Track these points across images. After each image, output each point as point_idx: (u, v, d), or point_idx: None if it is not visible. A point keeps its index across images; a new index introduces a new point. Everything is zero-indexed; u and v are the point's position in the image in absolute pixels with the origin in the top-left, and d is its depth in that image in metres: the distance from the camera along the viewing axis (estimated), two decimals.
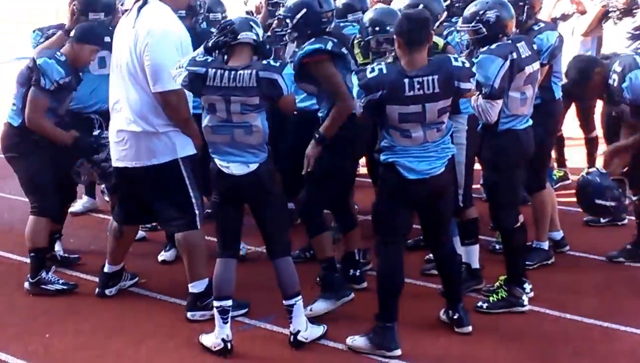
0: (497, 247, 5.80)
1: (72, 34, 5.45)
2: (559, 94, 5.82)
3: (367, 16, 5.13)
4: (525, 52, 4.90)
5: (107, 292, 5.37)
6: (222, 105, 4.46)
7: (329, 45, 4.91)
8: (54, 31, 5.92)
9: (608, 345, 4.71)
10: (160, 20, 4.89)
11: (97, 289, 5.40)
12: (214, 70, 4.45)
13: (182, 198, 4.96)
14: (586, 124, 7.39)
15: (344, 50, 5.01)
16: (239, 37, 4.51)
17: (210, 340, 4.63)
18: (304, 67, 4.89)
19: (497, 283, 5.12)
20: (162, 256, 5.99)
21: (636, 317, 4.95)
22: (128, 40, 4.90)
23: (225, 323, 4.58)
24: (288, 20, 5.09)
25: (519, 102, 4.97)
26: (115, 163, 5.09)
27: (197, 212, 4.99)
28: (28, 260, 5.55)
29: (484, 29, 4.86)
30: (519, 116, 5.00)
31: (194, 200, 4.98)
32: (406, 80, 4.32)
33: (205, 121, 4.54)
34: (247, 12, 6.90)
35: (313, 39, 4.97)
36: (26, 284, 5.47)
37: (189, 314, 5.01)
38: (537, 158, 5.35)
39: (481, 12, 4.88)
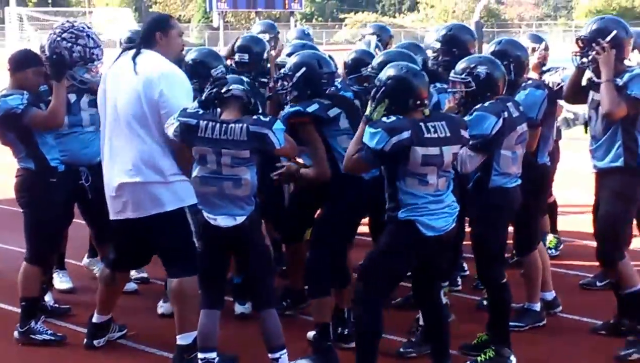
0: (485, 302, 5.67)
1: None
2: (544, 158, 5.78)
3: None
4: (515, 112, 4.89)
5: (95, 343, 5.26)
6: (212, 156, 4.44)
7: (311, 108, 4.89)
8: None
9: None
10: (167, 65, 4.83)
11: (85, 340, 5.29)
12: (205, 122, 4.44)
13: (184, 245, 4.85)
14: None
15: (331, 113, 4.96)
16: (231, 88, 4.51)
17: None
18: (291, 127, 4.87)
19: (476, 341, 5.03)
20: (161, 308, 5.86)
21: None
22: (131, 87, 4.77)
23: None
24: (288, 79, 5.08)
25: (510, 161, 4.96)
26: (114, 216, 4.98)
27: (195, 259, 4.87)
28: (18, 310, 5.45)
29: (473, 83, 4.84)
30: (510, 175, 4.99)
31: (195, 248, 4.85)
32: (422, 123, 4.36)
33: (195, 172, 4.52)
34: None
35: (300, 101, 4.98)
36: (15, 333, 5.37)
37: None
38: (524, 220, 5.35)
39: (472, 66, 4.89)
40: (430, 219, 4.39)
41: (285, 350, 4.56)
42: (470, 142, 4.68)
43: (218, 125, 4.45)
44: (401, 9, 79.20)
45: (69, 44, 5.22)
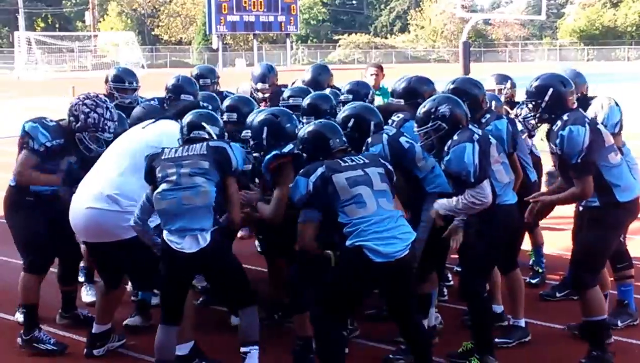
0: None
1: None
2: (533, 177, 5.79)
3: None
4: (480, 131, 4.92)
5: (95, 352, 5.26)
6: (173, 170, 4.50)
7: (287, 149, 4.95)
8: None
9: None
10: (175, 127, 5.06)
11: (85, 349, 5.29)
12: (169, 149, 4.61)
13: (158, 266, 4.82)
14: None
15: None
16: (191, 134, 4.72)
17: None
18: (273, 173, 4.93)
19: (462, 349, 5.03)
20: (127, 321, 5.82)
21: None
22: (148, 139, 5.03)
23: None
24: (256, 143, 5.16)
25: (503, 171, 4.98)
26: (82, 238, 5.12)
27: None
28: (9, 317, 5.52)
29: (444, 124, 4.82)
30: (509, 184, 5.00)
31: None
32: (338, 159, 4.56)
33: (156, 192, 4.53)
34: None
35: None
36: (19, 340, 5.38)
37: None
38: (515, 238, 5.35)
39: (434, 110, 4.86)
40: (378, 244, 4.32)
41: (256, 347, 4.55)
42: (467, 181, 4.69)
43: (181, 148, 4.61)
44: (393, 30, 79.39)
45: (88, 110, 5.30)
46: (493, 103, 6.08)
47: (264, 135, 5.07)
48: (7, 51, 60.09)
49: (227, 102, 6.13)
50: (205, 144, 4.58)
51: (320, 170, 4.45)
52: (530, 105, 5.05)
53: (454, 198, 4.80)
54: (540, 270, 6.91)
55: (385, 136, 5.06)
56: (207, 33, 56.47)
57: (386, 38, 76.36)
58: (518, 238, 5.51)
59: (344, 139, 4.77)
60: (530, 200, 5.13)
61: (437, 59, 70.41)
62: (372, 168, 4.51)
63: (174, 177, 4.48)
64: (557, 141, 4.84)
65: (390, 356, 5.20)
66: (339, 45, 71.19)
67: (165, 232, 4.47)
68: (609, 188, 4.93)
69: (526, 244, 6.83)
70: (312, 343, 4.91)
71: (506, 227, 5.00)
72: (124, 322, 5.77)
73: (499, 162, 4.97)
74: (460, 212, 4.85)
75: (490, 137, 4.97)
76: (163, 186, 4.49)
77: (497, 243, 4.99)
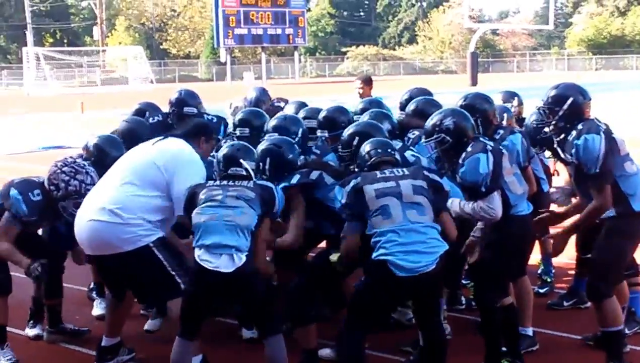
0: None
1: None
2: (546, 188, 5.80)
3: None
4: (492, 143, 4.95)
5: None
6: (219, 191, 4.55)
7: (294, 179, 5.05)
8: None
9: None
10: (193, 154, 5.07)
11: (94, 362, 5.33)
12: (214, 180, 4.73)
13: (163, 281, 4.92)
14: None
15: (313, 175, 5.14)
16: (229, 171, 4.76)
17: None
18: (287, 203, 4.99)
19: None
20: (147, 326, 5.88)
21: None
22: (153, 155, 5.03)
23: None
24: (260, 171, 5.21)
25: (516, 182, 5.00)
26: (86, 251, 5.13)
27: (180, 281, 4.87)
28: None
29: (448, 137, 4.88)
30: (523, 195, 5.03)
31: (176, 277, 4.88)
32: (377, 171, 4.63)
33: (196, 209, 4.56)
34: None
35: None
36: None
37: None
38: (526, 250, 5.35)
39: (439, 123, 4.93)
40: (401, 259, 4.35)
41: None
42: (479, 191, 4.75)
43: (226, 180, 4.70)
44: (401, 41, 79.57)
45: (67, 178, 5.31)
46: (505, 115, 6.13)
47: (267, 166, 5.15)
48: (16, 67, 60.49)
49: (238, 116, 6.18)
50: (251, 182, 4.66)
51: (354, 182, 4.54)
52: (545, 112, 5.06)
53: (465, 203, 4.85)
54: (548, 280, 6.92)
55: None
56: (215, 46, 56.70)
57: (394, 50, 76.57)
58: (528, 249, 5.52)
59: (392, 152, 4.81)
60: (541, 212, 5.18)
61: (445, 70, 70.53)
62: (409, 180, 4.53)
63: (219, 197, 4.53)
64: (573, 151, 4.83)
65: None
66: (347, 57, 71.42)
67: (198, 251, 4.46)
68: (624, 197, 4.92)
69: (535, 253, 6.87)
70: (316, 354, 4.98)
71: (520, 237, 5.02)
72: (145, 327, 5.84)
73: (511, 173, 5.00)
74: (469, 215, 4.87)
75: (502, 148, 5.01)
76: (206, 204, 4.53)
77: (511, 252, 5.01)
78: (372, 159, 4.73)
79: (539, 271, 7.01)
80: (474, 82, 40.09)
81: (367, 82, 8.66)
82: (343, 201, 4.55)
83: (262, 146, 5.27)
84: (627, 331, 5.71)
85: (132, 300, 5.47)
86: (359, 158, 4.86)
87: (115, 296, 5.29)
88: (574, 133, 4.85)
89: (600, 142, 4.77)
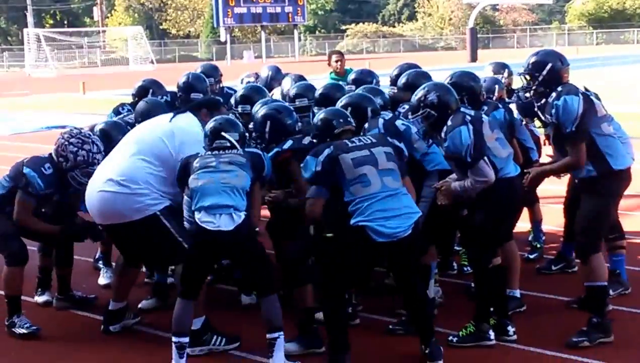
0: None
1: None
2: (535, 156, 6.02)
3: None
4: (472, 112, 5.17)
5: (111, 328, 5.55)
6: (212, 159, 4.80)
7: (287, 145, 5.25)
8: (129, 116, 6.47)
9: None
10: (197, 127, 5.30)
11: (102, 326, 5.60)
12: (205, 152, 4.92)
13: (171, 247, 5.17)
14: None
15: (305, 140, 5.29)
16: (214, 144, 4.96)
17: None
18: (278, 167, 5.22)
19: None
20: (142, 304, 6.05)
21: (595, 349, 5.10)
22: (161, 131, 5.29)
23: (182, 357, 4.76)
24: (259, 137, 5.46)
25: (499, 147, 5.20)
26: (97, 221, 5.39)
27: (186, 246, 5.06)
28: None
29: (433, 111, 5.09)
30: (508, 157, 5.23)
31: (183, 243, 5.10)
32: (346, 140, 4.85)
33: (192, 175, 4.79)
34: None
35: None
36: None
37: (188, 350, 5.07)
38: (515, 212, 5.53)
39: (423, 98, 5.14)
40: (380, 224, 4.59)
41: (282, 332, 4.79)
42: (466, 161, 4.96)
43: (217, 151, 4.90)
44: (400, 18, 79.36)
45: (75, 148, 5.55)
46: (496, 87, 6.33)
47: (267, 129, 5.36)
48: (17, 49, 60.52)
49: (239, 93, 6.38)
50: (241, 149, 4.91)
51: (327, 151, 4.74)
52: (526, 77, 5.29)
53: (462, 181, 5.07)
54: (538, 246, 7.16)
55: (381, 120, 5.37)
56: (215, 26, 56.67)
57: (394, 27, 76.39)
58: (517, 210, 5.74)
59: (350, 120, 5.05)
60: (525, 171, 5.41)
61: (445, 46, 70.44)
62: (379, 147, 4.79)
63: (213, 164, 4.78)
64: (553, 111, 5.07)
65: (391, 327, 5.48)
66: (347, 35, 71.30)
67: (198, 214, 4.69)
68: (603, 157, 5.17)
69: (526, 221, 7.12)
70: (314, 313, 5.19)
71: (509, 198, 5.21)
72: (139, 306, 6.03)
73: (493, 138, 5.20)
74: (471, 192, 5.08)
75: (482, 116, 5.22)
76: (201, 170, 4.77)
77: (500, 214, 5.22)
78: (336, 129, 4.95)
79: (530, 238, 7.25)
80: (474, 58, 40.12)
81: (343, 55, 9.36)
82: (316, 169, 4.73)
83: (262, 111, 5.49)
84: (611, 292, 5.97)
85: (138, 268, 5.72)
86: (317, 128, 5.06)
87: (128, 262, 5.52)
88: (553, 95, 5.09)
89: (578, 103, 5.02)
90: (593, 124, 5.14)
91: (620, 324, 5.47)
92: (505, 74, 7.20)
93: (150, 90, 7.00)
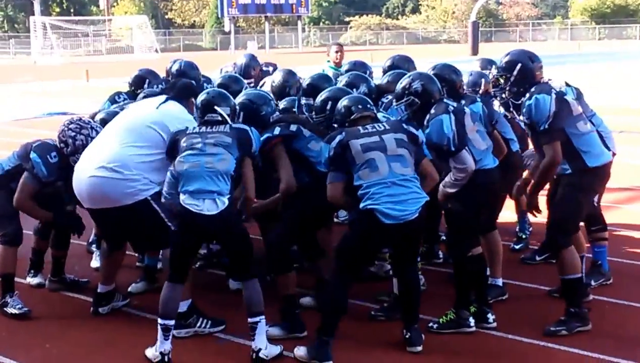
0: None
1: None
2: (515, 147, 6.07)
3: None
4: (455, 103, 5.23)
5: (100, 310, 5.65)
6: (198, 140, 4.85)
7: (276, 131, 5.28)
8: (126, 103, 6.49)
9: (545, 361, 4.95)
10: (182, 109, 5.41)
11: (91, 308, 5.69)
12: (194, 127, 4.99)
13: (160, 231, 5.23)
14: None
15: (292, 127, 5.33)
16: (205, 117, 5.04)
17: (151, 352, 4.89)
18: (265, 155, 5.26)
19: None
20: (131, 287, 6.14)
21: (572, 338, 5.17)
22: (150, 118, 5.33)
23: (166, 339, 4.82)
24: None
25: (479, 139, 5.27)
26: (85, 205, 5.43)
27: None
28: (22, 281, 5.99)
29: (417, 99, 5.18)
30: (487, 150, 5.29)
31: (172, 227, 5.15)
32: (359, 127, 4.90)
33: (179, 156, 4.86)
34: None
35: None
36: None
37: (174, 332, 5.14)
38: (493, 201, 5.63)
39: (407, 86, 5.23)
40: (388, 207, 4.68)
41: (263, 316, 4.86)
42: (448, 150, 5.03)
43: (205, 126, 4.97)
44: (404, 11, 79.26)
45: (74, 133, 5.66)
46: (482, 80, 6.40)
47: (240, 119, 5.41)
48: (24, 36, 60.55)
49: (217, 81, 6.45)
50: (228, 126, 4.96)
51: (339, 137, 4.83)
52: (500, 80, 5.35)
53: (447, 178, 5.16)
54: (524, 237, 7.23)
55: None
56: (219, 16, 56.68)
57: (397, 19, 76.33)
58: (498, 200, 5.80)
59: (370, 107, 5.09)
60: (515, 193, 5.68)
61: (448, 39, 70.37)
62: (390, 134, 4.84)
63: (198, 145, 4.84)
64: (525, 110, 5.15)
65: (373, 313, 5.56)
66: (350, 27, 71.26)
67: (183, 196, 4.78)
68: (578, 155, 5.22)
69: (514, 212, 7.19)
70: (294, 300, 5.28)
71: (486, 189, 5.29)
72: (129, 289, 6.11)
73: (474, 130, 5.27)
74: (455, 186, 5.16)
75: (464, 107, 5.28)
76: (187, 152, 4.84)
77: (478, 204, 5.28)
78: (353, 115, 5.01)
79: (517, 229, 7.31)
80: (475, 52, 40.08)
81: (342, 47, 9.51)
82: (329, 155, 4.83)
83: (238, 99, 5.54)
84: (592, 283, 6.06)
85: (125, 251, 5.79)
86: (337, 114, 5.12)
87: (111, 247, 5.61)
88: (527, 95, 5.16)
89: (550, 102, 5.08)
90: (568, 123, 5.19)
91: (599, 314, 5.55)
92: (494, 70, 7.24)
93: (147, 80, 7.07)
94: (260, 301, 4.87)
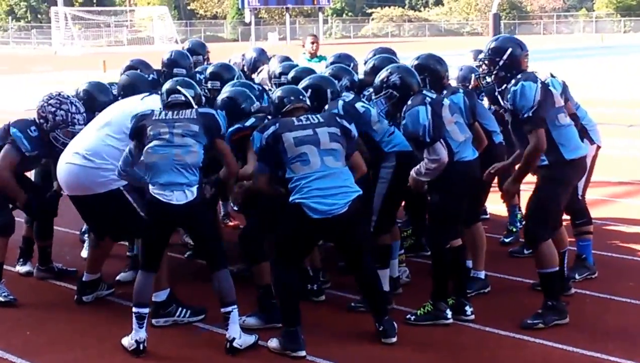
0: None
1: None
2: (498, 138, 6.10)
3: None
4: (434, 95, 5.25)
5: (84, 298, 5.74)
6: (165, 129, 4.88)
7: (249, 122, 5.34)
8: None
9: (517, 353, 4.98)
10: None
11: (75, 296, 5.79)
12: (159, 111, 4.97)
13: (133, 220, 5.34)
14: None
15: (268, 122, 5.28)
16: (169, 98, 5.08)
17: (127, 341, 4.96)
18: (235, 144, 5.32)
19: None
20: (119, 276, 6.23)
21: (547, 331, 5.20)
22: (130, 109, 5.39)
23: (141, 327, 4.90)
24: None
25: (457, 131, 5.29)
26: (68, 192, 5.54)
27: None
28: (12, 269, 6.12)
29: (395, 92, 5.22)
30: (466, 141, 5.31)
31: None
32: (294, 118, 4.97)
33: (147, 147, 4.89)
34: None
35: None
36: None
37: (153, 321, 5.29)
38: (476, 193, 5.64)
39: (386, 79, 5.27)
40: (316, 202, 4.73)
41: (235, 306, 4.93)
42: (424, 140, 5.05)
43: (171, 111, 4.98)
44: (427, 3, 78.93)
45: (54, 109, 5.71)
46: (472, 76, 6.42)
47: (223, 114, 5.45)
48: (46, 26, 61.05)
49: (209, 69, 6.53)
50: (194, 109, 4.99)
51: (272, 128, 4.89)
52: (486, 63, 5.36)
53: (419, 165, 5.17)
54: (514, 230, 7.24)
55: (340, 102, 5.49)
56: (240, 7, 56.79)
57: (420, 11, 76.05)
58: (479, 192, 5.81)
59: (303, 98, 5.15)
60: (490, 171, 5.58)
61: (470, 31, 70.01)
62: (324, 128, 4.90)
63: (166, 136, 4.86)
64: (509, 96, 5.15)
65: (353, 304, 5.61)
66: (372, 19, 71.10)
67: (152, 187, 4.85)
68: (556, 147, 5.23)
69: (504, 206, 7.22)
70: (271, 289, 5.27)
71: (465, 181, 5.30)
72: (117, 278, 6.21)
73: (452, 122, 5.29)
74: (427, 175, 5.19)
75: (443, 99, 5.31)
76: (155, 142, 4.87)
77: (457, 196, 5.30)
78: (286, 106, 5.06)
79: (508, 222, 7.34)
80: None
81: (317, 37, 9.74)
82: (260, 145, 4.87)
83: (220, 96, 5.63)
84: (577, 277, 6.09)
85: (111, 242, 5.85)
86: (271, 105, 5.22)
87: (94, 233, 5.72)
88: (513, 82, 5.17)
89: (536, 90, 5.09)
90: (550, 114, 5.19)
91: (579, 307, 5.58)
92: (481, 56, 7.23)
93: (138, 70, 7.15)
94: (232, 291, 4.93)
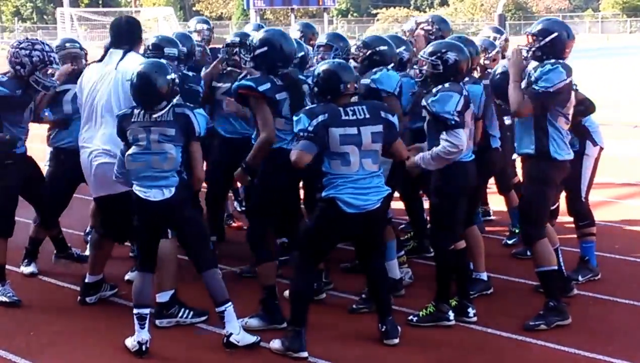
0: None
1: None
2: (496, 143, 6.10)
3: None
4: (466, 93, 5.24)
5: (87, 300, 5.76)
6: (143, 135, 4.86)
7: (263, 87, 5.14)
8: None
9: (520, 355, 4.99)
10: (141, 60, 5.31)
11: (78, 297, 5.80)
12: (138, 110, 4.93)
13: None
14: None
15: (279, 96, 5.21)
16: None
17: (130, 342, 4.97)
18: (242, 97, 5.25)
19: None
20: (127, 276, 6.22)
21: (549, 332, 5.21)
22: (108, 81, 5.33)
23: (142, 328, 4.91)
24: (248, 51, 5.40)
25: (466, 136, 5.26)
26: (93, 194, 5.56)
27: None
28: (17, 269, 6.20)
29: (441, 67, 5.16)
30: (469, 148, 5.30)
31: None
32: (341, 108, 4.81)
33: (127, 154, 4.90)
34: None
35: (257, 75, 5.29)
36: None
37: (156, 321, 5.32)
38: (472, 196, 5.62)
39: (443, 51, 5.19)
40: (350, 197, 4.74)
41: (229, 303, 4.94)
42: (448, 123, 5.02)
43: (147, 114, 4.89)
44: (433, 3, 78.85)
45: (27, 51, 5.62)
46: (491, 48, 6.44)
47: (259, 52, 5.28)
48: (52, 27, 61.05)
49: (150, 41, 6.33)
50: (171, 110, 4.90)
51: (322, 118, 4.72)
52: (530, 38, 5.31)
53: (430, 151, 5.16)
54: (516, 231, 7.22)
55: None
56: (245, 8, 56.75)
57: (425, 12, 75.86)
58: (475, 195, 5.78)
59: (357, 85, 5.00)
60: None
61: (476, 32, 69.79)
62: (369, 126, 4.81)
63: (143, 142, 4.86)
64: (540, 68, 5.12)
65: (354, 306, 5.62)
66: (378, 19, 71.03)
67: (134, 184, 4.91)
68: (546, 140, 5.22)
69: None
70: (275, 291, 5.34)
71: (460, 181, 5.28)
72: (125, 277, 6.21)
73: (468, 127, 5.28)
74: (435, 163, 5.15)
75: (470, 101, 5.27)
76: (134, 149, 4.88)
77: (455, 197, 5.29)
78: (341, 91, 4.82)
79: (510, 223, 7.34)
80: None
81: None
82: (309, 129, 4.71)
83: (264, 35, 5.37)
84: (580, 278, 6.09)
85: (113, 244, 5.86)
86: (323, 81, 4.87)
87: (115, 238, 5.71)
88: (553, 61, 5.15)
89: (562, 80, 5.09)
90: (555, 110, 5.20)
91: (582, 308, 5.60)
92: (503, 38, 7.23)
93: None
94: (223, 289, 4.95)
